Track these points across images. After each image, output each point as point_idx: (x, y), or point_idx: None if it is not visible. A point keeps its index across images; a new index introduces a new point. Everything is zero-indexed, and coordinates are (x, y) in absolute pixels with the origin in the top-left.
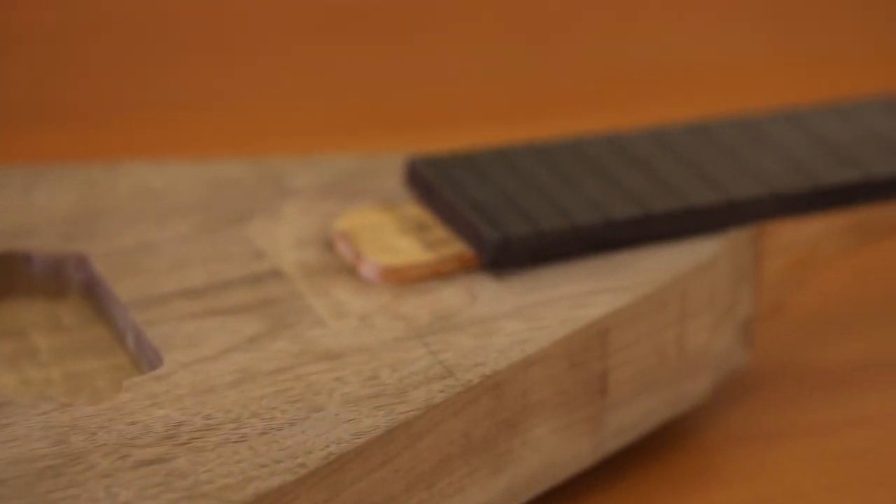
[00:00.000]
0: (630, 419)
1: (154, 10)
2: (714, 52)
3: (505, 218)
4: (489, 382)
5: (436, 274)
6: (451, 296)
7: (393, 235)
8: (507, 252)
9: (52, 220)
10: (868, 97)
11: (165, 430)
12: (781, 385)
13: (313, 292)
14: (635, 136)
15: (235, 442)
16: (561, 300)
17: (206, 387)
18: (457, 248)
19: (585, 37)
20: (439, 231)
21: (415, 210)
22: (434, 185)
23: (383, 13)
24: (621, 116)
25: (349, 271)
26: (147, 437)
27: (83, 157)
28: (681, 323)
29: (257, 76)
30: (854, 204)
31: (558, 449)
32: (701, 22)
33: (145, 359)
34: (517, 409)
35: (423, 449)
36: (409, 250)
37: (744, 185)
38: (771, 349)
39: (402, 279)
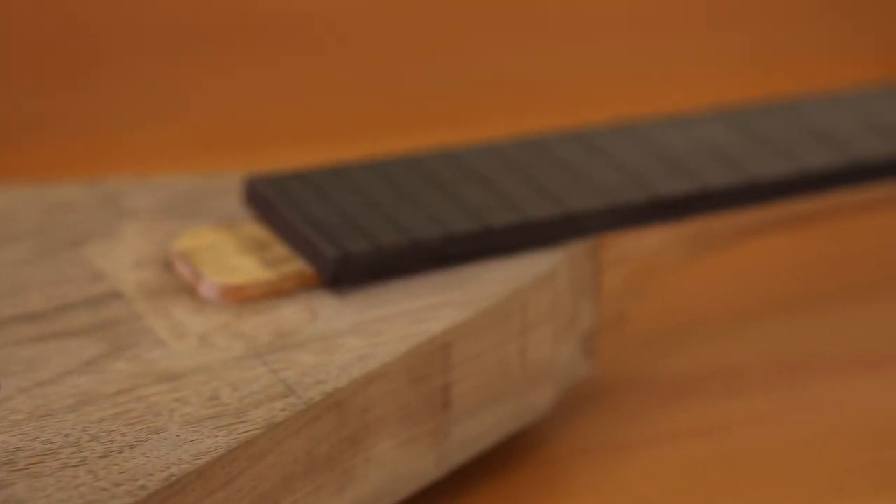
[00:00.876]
0: (474, 432)
1: None
2: (552, 67)
3: (344, 235)
4: (331, 400)
5: (276, 292)
6: (292, 314)
7: (232, 254)
8: (347, 269)
9: None
10: (704, 109)
11: (2, 456)
12: (625, 396)
13: (153, 313)
14: (473, 150)
15: (75, 466)
16: (401, 315)
17: (45, 411)
18: (297, 265)
19: (424, 53)
20: (279, 249)
21: (254, 229)
22: (273, 203)
23: (220, 33)
24: (459, 132)
25: (189, 291)
26: None
27: None
28: (522, 335)
29: (94, 99)
30: (691, 215)
31: (402, 464)
32: (541, 37)
33: None
34: (360, 425)
35: (266, 468)
36: (248, 269)
37: (581, 197)
38: (614, 360)
39: (243, 298)
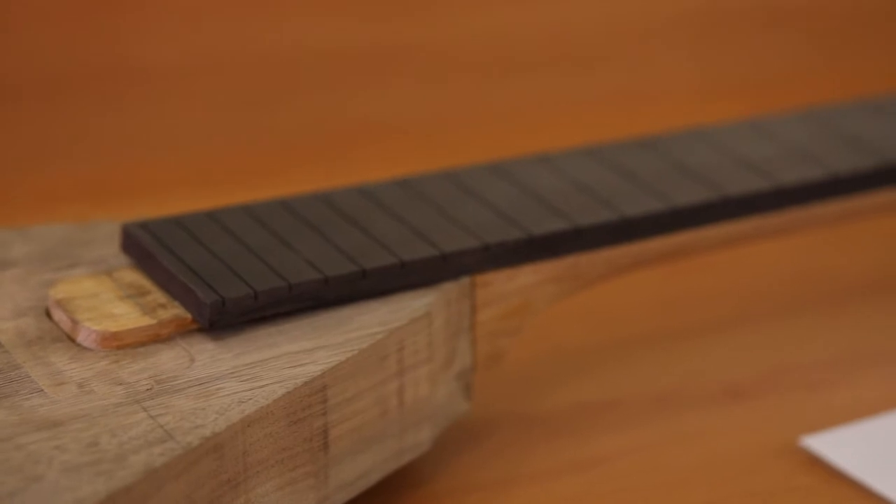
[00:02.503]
0: (355, 472)
1: None
2: (423, 109)
3: (220, 280)
4: (209, 444)
5: (154, 338)
6: (170, 359)
7: (110, 301)
8: (224, 314)
9: None
10: (572, 148)
11: None
12: (505, 432)
13: (31, 361)
14: (346, 193)
15: None
16: (279, 359)
17: None
18: (174, 311)
19: (296, 98)
20: (157, 295)
21: (132, 275)
22: (149, 249)
23: (95, 81)
24: (333, 175)
25: (68, 339)
26: None
27: None
28: (400, 376)
29: None
30: (564, 253)
31: None
32: (410, 80)
33: None
34: (239, 468)
35: None
36: (126, 315)
37: (455, 238)
38: (492, 397)
39: (121, 345)
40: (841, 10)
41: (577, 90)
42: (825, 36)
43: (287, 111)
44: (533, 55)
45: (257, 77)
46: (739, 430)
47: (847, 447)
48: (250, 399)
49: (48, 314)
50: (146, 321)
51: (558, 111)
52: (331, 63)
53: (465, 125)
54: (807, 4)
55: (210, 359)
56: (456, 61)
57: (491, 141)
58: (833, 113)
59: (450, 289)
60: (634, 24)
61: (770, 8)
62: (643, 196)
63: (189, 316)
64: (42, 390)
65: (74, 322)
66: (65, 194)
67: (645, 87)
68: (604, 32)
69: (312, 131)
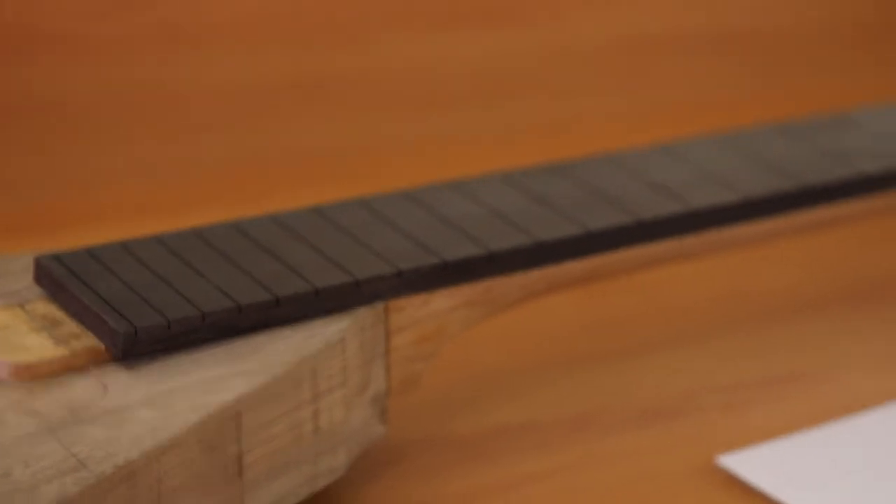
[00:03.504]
0: (270, 498)
1: None
2: (335, 138)
3: (133, 309)
4: (123, 472)
5: (68, 368)
6: (83, 389)
7: (23, 333)
8: (136, 343)
9: None
10: (486, 174)
11: None
12: (421, 456)
13: None
14: (259, 221)
15: None
16: (193, 386)
17: None
18: (88, 341)
19: (207, 130)
20: (71, 326)
21: (45, 307)
22: (62, 280)
23: (4, 116)
24: (245, 205)
25: None
26: None
27: None
28: (314, 402)
29: None
30: (478, 277)
31: None
32: (322, 110)
33: None
34: (153, 496)
35: None
36: (39, 347)
37: (368, 264)
38: (408, 421)
39: (34, 375)
40: (768, 36)
41: (501, 121)
42: (753, 61)
43: (204, 143)
44: (455, 87)
45: (174, 110)
46: (657, 451)
47: (763, 466)
48: (164, 427)
49: None
50: (59, 352)
51: (478, 142)
52: (248, 95)
53: (385, 156)
54: (735, 30)
55: (123, 388)
56: (375, 93)
57: (410, 172)
58: (747, 136)
59: (364, 315)
60: (562, 53)
61: (697, 35)
62: (557, 220)
63: (102, 346)
64: None
65: None
66: None
67: (571, 117)
68: (528, 63)
69: (229, 163)
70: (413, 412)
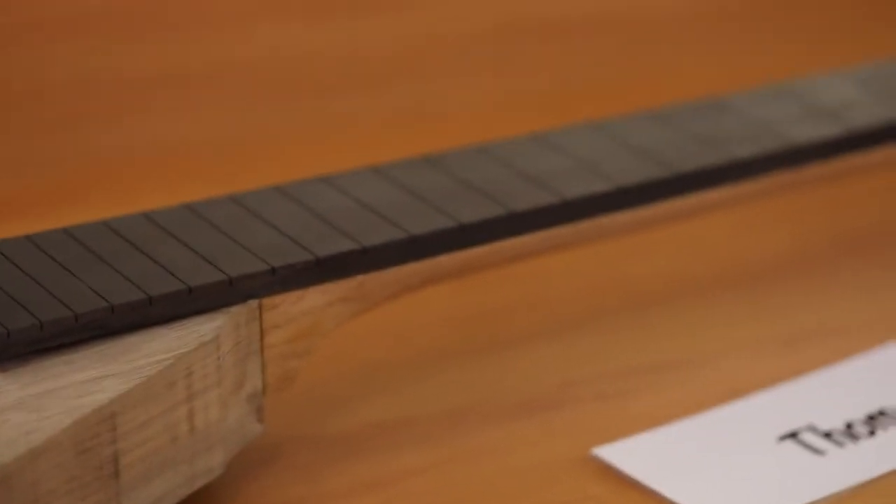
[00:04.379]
0: (147, 499)
1: None
2: (203, 133)
3: (4, 311)
4: None
5: None
6: None
7: None
8: (9, 345)
9: None
10: (357, 168)
11: None
12: (298, 453)
13: None
14: (130, 219)
15: None
16: (66, 388)
17: None
18: None
19: (76, 125)
20: None
21: None
22: None
23: None
24: (116, 203)
25: None
26: None
27: None
28: (189, 401)
29: None
30: (352, 273)
31: None
32: (188, 103)
33: None
34: (29, 500)
35: None
36: None
37: (241, 261)
38: (285, 419)
39: None
40: (639, 22)
41: (372, 111)
42: (624, 48)
43: (72, 139)
44: (324, 78)
45: (39, 104)
46: (534, 443)
47: (638, 456)
48: (37, 430)
49: None
50: None
51: (350, 132)
52: (117, 88)
53: (256, 149)
54: (605, 16)
55: None
56: (245, 85)
57: (282, 165)
58: (619, 124)
59: (238, 313)
60: (432, 41)
61: (568, 21)
62: (430, 214)
63: None
64: None
65: None
66: None
67: (443, 106)
68: (398, 52)
69: (99, 158)
70: (289, 410)
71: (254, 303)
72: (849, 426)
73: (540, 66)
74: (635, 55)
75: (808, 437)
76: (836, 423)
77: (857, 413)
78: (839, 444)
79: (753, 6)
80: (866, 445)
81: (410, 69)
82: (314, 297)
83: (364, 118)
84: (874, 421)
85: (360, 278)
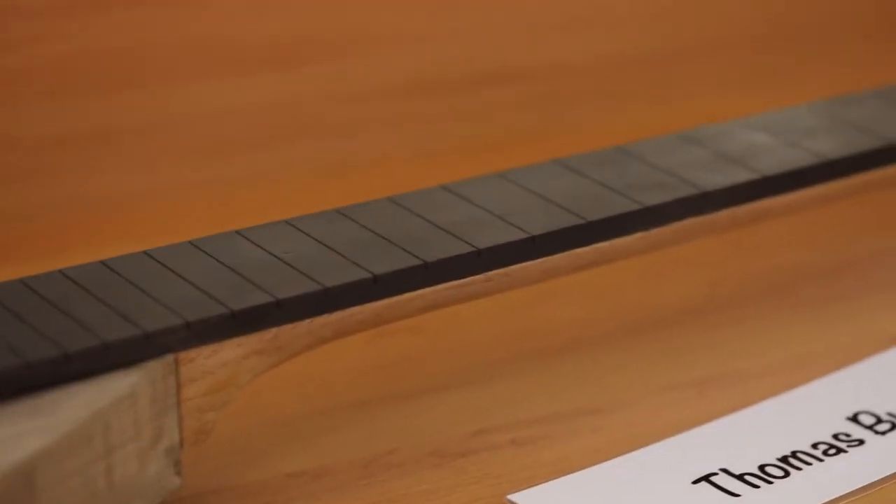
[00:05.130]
0: None
1: None
2: (119, 192)
3: None
4: None
5: None
6: None
7: None
8: None
9: None
10: (268, 222)
11: None
12: None
13: None
14: (45, 277)
15: None
16: None
17: None
18: None
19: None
20: None
21: None
22: None
23: None
24: (31, 262)
25: None
26: None
27: None
28: (108, 456)
29: None
30: (266, 326)
31: None
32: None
33: None
34: None
35: None
36: None
37: (157, 316)
38: (203, 471)
39: None
40: (544, 72)
41: (284, 165)
42: (530, 99)
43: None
44: (237, 132)
45: None
46: (448, 491)
47: (553, 502)
48: None
49: None
50: None
51: (263, 187)
52: (31, 146)
53: (170, 205)
54: (511, 70)
55: None
56: (159, 141)
57: (196, 220)
58: (528, 173)
59: (154, 367)
60: (339, 98)
61: (476, 75)
62: (343, 266)
63: None
64: None
65: None
66: None
67: (351, 160)
68: (309, 105)
69: (13, 217)
70: (207, 462)
71: (170, 357)
72: (762, 468)
73: (449, 119)
74: (544, 106)
75: (723, 480)
76: (749, 465)
77: (770, 455)
78: (753, 485)
79: (658, 55)
80: (781, 486)
81: (321, 124)
82: (230, 351)
83: (277, 173)
84: (787, 462)
85: (274, 331)
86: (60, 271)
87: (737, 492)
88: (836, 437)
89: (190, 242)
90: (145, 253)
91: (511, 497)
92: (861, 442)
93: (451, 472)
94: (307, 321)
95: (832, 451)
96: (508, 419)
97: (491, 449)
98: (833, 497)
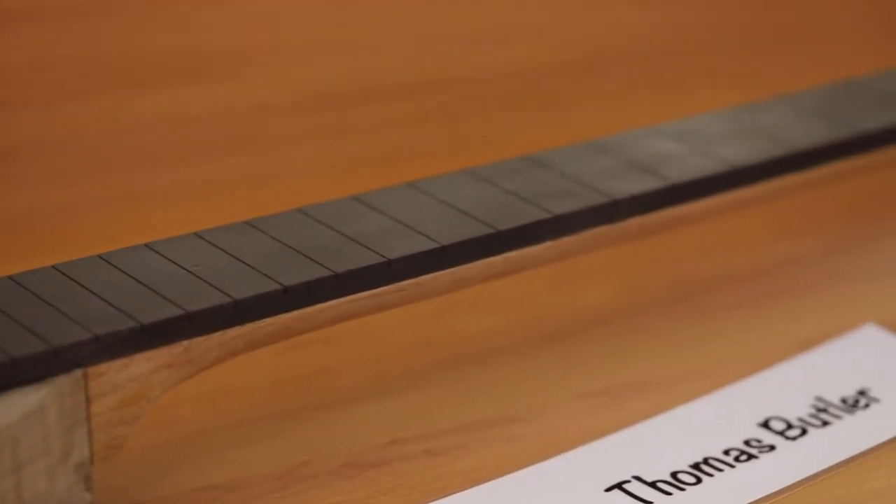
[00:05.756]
0: None
1: None
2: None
3: None
4: None
5: None
6: None
7: None
8: None
9: None
10: (177, 236)
11: None
12: None
13: None
14: None
15: None
16: None
17: None
18: None
19: None
20: None
21: None
22: None
23: None
24: None
25: None
26: None
27: None
28: (16, 472)
29: None
30: (176, 339)
31: None
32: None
33: None
34: None
35: None
36: None
37: (65, 331)
38: (115, 486)
39: None
40: (454, 84)
41: (195, 179)
42: (441, 111)
43: None
44: (147, 146)
45: None
46: (362, 501)
47: None
48: None
49: None
50: None
51: (172, 201)
52: None
53: (79, 219)
54: (420, 82)
55: None
56: (67, 157)
57: (105, 234)
58: (438, 183)
59: (63, 382)
60: (254, 109)
61: (386, 88)
62: (253, 278)
63: None
64: None
65: None
66: None
67: (266, 172)
68: (222, 119)
69: None
70: (118, 478)
71: (79, 372)
72: (674, 475)
73: (358, 131)
74: (454, 117)
75: (635, 487)
76: (661, 472)
77: (682, 462)
78: (666, 493)
79: (564, 66)
80: (693, 493)
81: (230, 138)
82: (140, 364)
83: (185, 187)
84: (699, 469)
85: (185, 344)
86: None
87: (649, 499)
88: (747, 443)
89: (99, 256)
90: (54, 267)
91: None
92: (772, 448)
93: (365, 483)
94: (218, 334)
95: (744, 457)
96: (422, 430)
97: (404, 459)
98: (745, 503)
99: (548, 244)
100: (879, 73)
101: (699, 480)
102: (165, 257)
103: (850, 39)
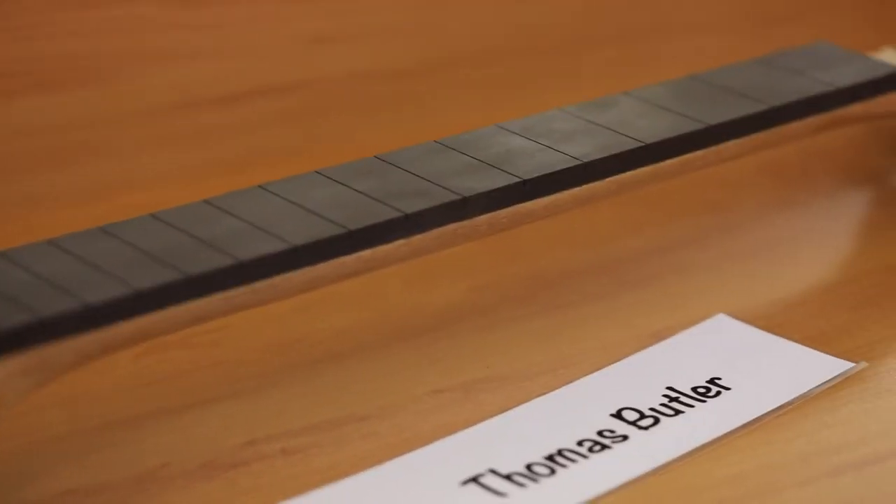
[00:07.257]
0: None
1: None
2: None
3: None
4: None
5: None
6: None
7: None
8: None
9: None
10: (28, 243)
11: None
12: None
13: None
14: None
15: None
16: None
17: None
18: None
19: None
20: None
21: None
22: None
23: None
24: None
25: None
26: None
27: None
28: None
29: None
30: (30, 346)
31: None
32: None
33: None
34: None
35: None
36: None
37: None
38: None
39: None
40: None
41: (46, 188)
42: (291, 114)
43: None
44: (5, 155)
45: None
46: (220, 502)
47: None
48: None
49: None
50: None
51: (28, 210)
52: None
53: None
54: (271, 84)
55: None
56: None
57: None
58: (290, 186)
59: None
60: (111, 116)
61: (235, 90)
62: (106, 282)
63: None
64: None
65: None
66: None
67: (122, 178)
68: (78, 126)
69: None
70: None
71: None
72: (528, 467)
73: (208, 135)
74: (302, 120)
75: (490, 480)
76: (516, 465)
77: (537, 454)
78: (521, 485)
79: (412, 67)
80: (548, 484)
81: (86, 145)
82: None
83: (40, 195)
84: (553, 461)
85: (38, 350)
86: None
87: (504, 491)
88: (600, 433)
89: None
90: None
91: None
92: (625, 437)
93: (224, 484)
94: (71, 339)
95: (597, 447)
96: (278, 429)
97: (262, 459)
98: (598, 493)
99: (399, 243)
100: (723, 69)
101: (553, 472)
102: (17, 264)
103: (697, 38)
